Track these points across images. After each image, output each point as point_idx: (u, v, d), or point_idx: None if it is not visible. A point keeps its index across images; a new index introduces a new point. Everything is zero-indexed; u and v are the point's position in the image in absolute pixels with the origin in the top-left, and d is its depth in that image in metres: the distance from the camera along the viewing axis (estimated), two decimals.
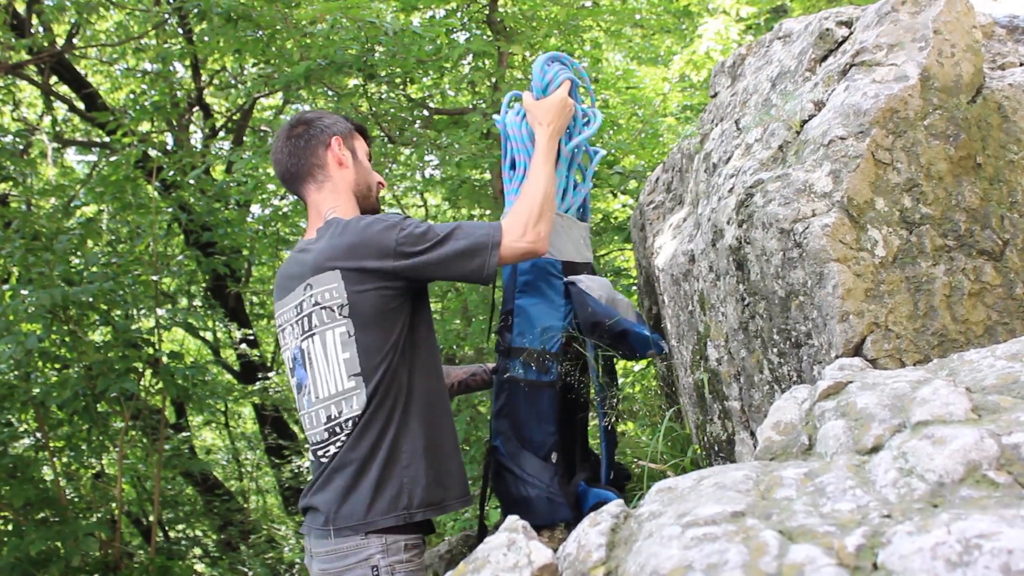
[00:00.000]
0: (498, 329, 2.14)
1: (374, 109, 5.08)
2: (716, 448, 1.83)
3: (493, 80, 5.15)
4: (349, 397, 1.75)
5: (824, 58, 1.82)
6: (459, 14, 5.21)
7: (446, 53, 4.38)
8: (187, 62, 6.86)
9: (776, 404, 1.23)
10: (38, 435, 4.44)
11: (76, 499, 4.69)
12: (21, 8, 6.45)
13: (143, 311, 4.73)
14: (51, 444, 4.50)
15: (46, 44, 6.45)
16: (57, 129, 7.75)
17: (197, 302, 7.46)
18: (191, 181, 5.20)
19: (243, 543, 6.90)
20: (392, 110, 5.30)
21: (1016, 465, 0.82)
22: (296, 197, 2.17)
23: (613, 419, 2.10)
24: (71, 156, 8.84)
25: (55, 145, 7.56)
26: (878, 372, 1.21)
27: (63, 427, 4.57)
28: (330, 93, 5.43)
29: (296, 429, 8.55)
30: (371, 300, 1.74)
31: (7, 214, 4.79)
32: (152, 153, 5.92)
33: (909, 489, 0.84)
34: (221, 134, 7.89)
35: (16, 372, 4.06)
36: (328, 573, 1.73)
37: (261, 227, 6.30)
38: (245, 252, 6.42)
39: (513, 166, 2.18)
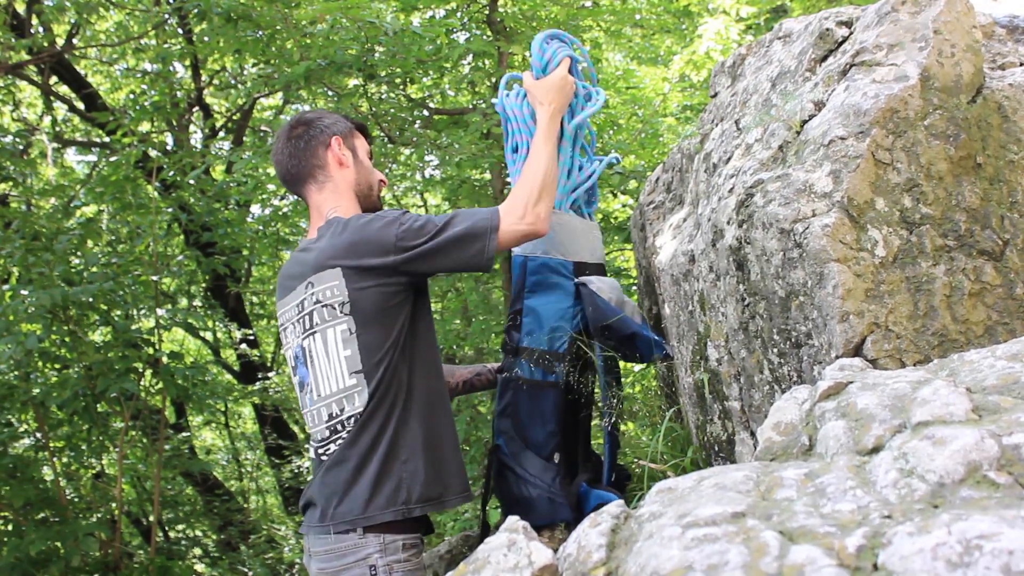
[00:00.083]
0: (506, 328, 2.15)
1: (374, 109, 5.08)
2: (716, 448, 1.83)
3: (493, 80, 5.15)
4: (351, 395, 1.75)
5: (824, 58, 1.82)
6: (459, 14, 5.21)
7: (446, 53, 4.38)
8: (187, 62, 6.86)
9: (776, 404, 1.23)
10: (38, 435, 4.44)
11: (76, 499, 4.69)
12: (21, 8, 6.44)
13: (143, 311, 4.73)
14: (51, 444, 4.50)
15: (46, 44, 6.45)
16: (57, 129, 7.75)
17: (197, 302, 7.46)
18: (191, 181, 5.20)
19: (243, 543, 6.90)
20: (392, 110, 5.30)
21: (1016, 466, 0.82)
22: (297, 197, 2.17)
23: (616, 421, 2.10)
24: (71, 156, 8.85)
25: (55, 145, 7.56)
26: (878, 372, 1.21)
27: (63, 427, 4.57)
28: (330, 93, 5.43)
29: (296, 429, 8.55)
30: (372, 297, 1.75)
31: (7, 214, 4.79)
32: (152, 153, 5.92)
33: (910, 490, 0.83)
34: (221, 134, 7.89)
35: (16, 372, 4.06)
36: (326, 572, 1.73)
37: (261, 227, 6.30)
38: (245, 252, 6.43)
39: (516, 150, 2.15)
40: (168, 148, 6.90)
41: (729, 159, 1.87)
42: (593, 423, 2.25)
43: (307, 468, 7.23)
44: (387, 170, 5.95)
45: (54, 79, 7.04)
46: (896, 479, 0.86)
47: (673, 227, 2.22)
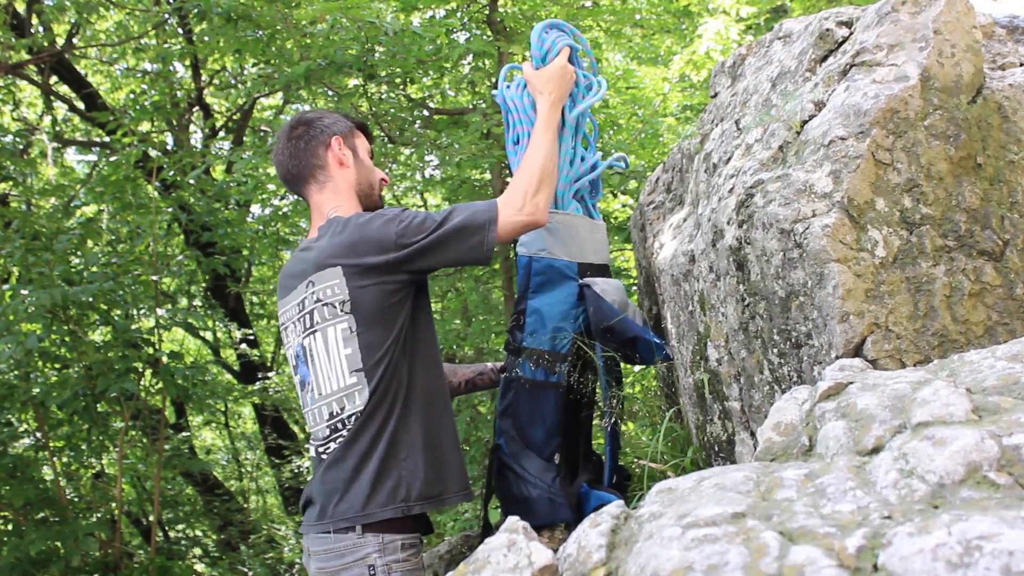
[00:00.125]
0: (509, 328, 2.15)
1: (374, 109, 5.08)
2: (716, 449, 1.83)
3: (493, 80, 5.14)
4: (351, 393, 1.75)
5: (824, 58, 1.82)
6: (459, 14, 5.21)
7: (446, 53, 4.38)
8: (187, 62, 6.87)
9: (776, 405, 1.23)
10: (38, 435, 4.44)
11: (76, 499, 4.69)
12: (21, 8, 6.44)
13: (143, 311, 4.73)
14: (51, 444, 4.50)
15: (46, 44, 6.45)
16: (57, 129, 7.75)
17: (197, 302, 7.46)
18: (191, 181, 5.20)
19: (243, 543, 6.90)
20: (392, 110, 5.30)
21: (1017, 466, 0.82)
22: (298, 197, 2.17)
23: (618, 422, 2.10)
24: (71, 156, 8.85)
25: (55, 145, 7.56)
26: (878, 373, 1.21)
27: (63, 427, 4.57)
28: (330, 93, 5.43)
29: (296, 429, 8.55)
30: (373, 296, 1.75)
31: (7, 214, 4.79)
32: (152, 153, 5.92)
33: (910, 490, 0.84)
34: (221, 134, 7.89)
35: (16, 372, 4.05)
36: (325, 572, 1.73)
37: (261, 227, 6.30)
38: (245, 252, 6.43)
39: (517, 141, 2.14)
40: (168, 148, 6.90)
41: (729, 159, 1.87)
42: (594, 423, 2.25)
43: (307, 468, 7.23)
44: (387, 170, 5.96)
45: (54, 79, 7.04)
46: (896, 480, 0.86)
47: (673, 227, 2.22)
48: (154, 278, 4.65)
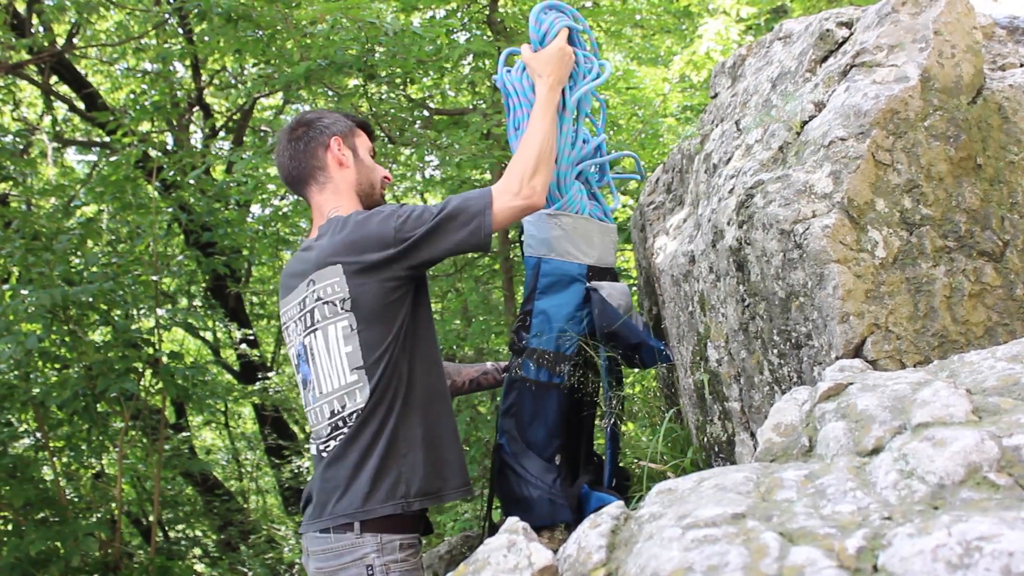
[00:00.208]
0: (515, 328, 2.15)
1: (374, 109, 5.08)
2: (716, 449, 1.83)
3: (493, 80, 5.14)
4: (352, 391, 1.76)
5: (824, 59, 1.82)
6: (459, 14, 5.21)
7: (446, 53, 4.38)
8: (187, 62, 6.86)
9: (776, 406, 1.23)
10: (38, 435, 4.44)
11: (76, 499, 4.69)
12: (21, 8, 6.44)
13: (143, 311, 4.73)
14: (51, 444, 4.50)
15: (46, 44, 6.45)
16: (57, 129, 7.75)
17: (197, 302, 7.46)
18: (191, 181, 5.20)
19: (243, 543, 6.90)
20: (392, 110, 5.30)
21: (1017, 467, 0.82)
22: (299, 197, 2.18)
23: (618, 423, 2.11)
24: (71, 156, 8.85)
25: (55, 145, 7.56)
26: (878, 373, 1.21)
27: (63, 427, 4.57)
28: (330, 93, 5.43)
29: (296, 429, 8.55)
30: (373, 293, 1.75)
31: (7, 214, 4.79)
32: (152, 153, 5.92)
33: (910, 491, 0.84)
34: (221, 134, 7.89)
35: (16, 372, 4.05)
36: (323, 572, 1.73)
37: (261, 227, 6.30)
38: (245, 252, 6.43)
39: (518, 127, 2.12)
40: (168, 148, 6.90)
41: (729, 160, 1.87)
42: (595, 424, 2.26)
43: (307, 468, 7.24)
44: (387, 170, 5.95)
45: (54, 79, 7.04)
46: (896, 480, 0.86)
47: (673, 228, 2.22)
48: (154, 278, 4.65)
